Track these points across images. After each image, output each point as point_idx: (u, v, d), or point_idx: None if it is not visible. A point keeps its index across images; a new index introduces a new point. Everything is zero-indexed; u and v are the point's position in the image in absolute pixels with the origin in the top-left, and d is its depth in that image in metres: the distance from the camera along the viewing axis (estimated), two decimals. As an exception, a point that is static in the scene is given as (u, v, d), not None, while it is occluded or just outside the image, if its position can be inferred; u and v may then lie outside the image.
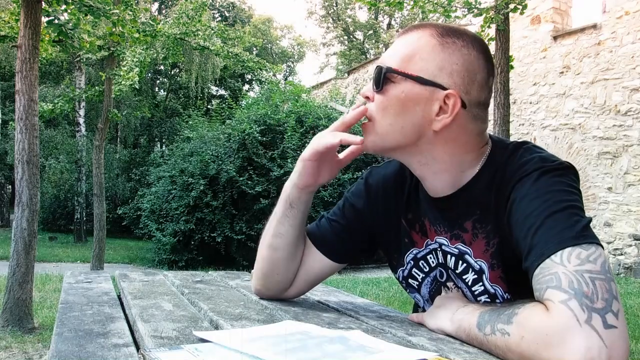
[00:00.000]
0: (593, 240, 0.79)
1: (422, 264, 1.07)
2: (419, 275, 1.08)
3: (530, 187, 0.88)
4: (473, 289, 0.98)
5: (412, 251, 1.08)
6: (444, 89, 0.92)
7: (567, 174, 0.89)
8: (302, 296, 1.26)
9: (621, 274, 8.83)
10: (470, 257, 0.98)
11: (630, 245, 8.76)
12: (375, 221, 1.12)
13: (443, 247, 1.01)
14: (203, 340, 0.76)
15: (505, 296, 0.95)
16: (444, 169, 0.97)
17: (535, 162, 0.90)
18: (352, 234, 1.13)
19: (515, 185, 0.90)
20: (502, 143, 1.00)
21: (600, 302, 0.70)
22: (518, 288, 0.91)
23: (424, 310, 1.08)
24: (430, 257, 1.05)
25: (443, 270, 1.04)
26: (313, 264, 1.12)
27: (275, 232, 1.10)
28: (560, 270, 0.75)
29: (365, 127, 1.00)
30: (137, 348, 0.73)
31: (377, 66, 0.97)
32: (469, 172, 0.97)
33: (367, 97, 0.99)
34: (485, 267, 0.96)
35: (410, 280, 1.10)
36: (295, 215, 1.08)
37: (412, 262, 1.08)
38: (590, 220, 0.84)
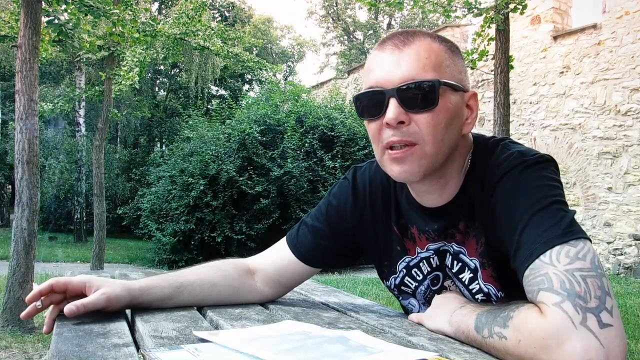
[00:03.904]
0: (580, 235, 0.78)
1: (415, 271, 1.06)
2: (412, 284, 1.07)
3: (513, 184, 0.87)
4: (470, 287, 0.97)
5: (404, 259, 1.06)
6: (466, 91, 0.94)
7: (547, 166, 0.89)
8: (302, 296, 1.26)
9: (621, 274, 8.82)
10: (465, 255, 0.97)
11: (630, 245, 8.75)
12: (362, 226, 1.08)
13: (442, 248, 1.01)
14: (203, 340, 0.76)
15: (499, 294, 0.94)
16: (453, 176, 0.96)
17: (515, 158, 0.89)
18: (336, 241, 1.10)
19: (498, 182, 0.89)
20: (481, 139, 0.99)
21: (594, 301, 0.70)
22: (511, 286, 0.91)
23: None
24: (423, 265, 1.04)
25: (439, 273, 1.03)
26: (292, 271, 1.10)
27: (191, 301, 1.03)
28: (551, 271, 0.74)
29: (408, 153, 0.88)
30: (137, 348, 0.73)
31: (422, 81, 0.86)
32: (462, 175, 0.97)
33: (401, 123, 0.87)
34: (478, 265, 0.96)
35: (403, 288, 1.09)
36: (165, 297, 0.98)
37: (404, 270, 1.07)
38: (574, 213, 0.83)
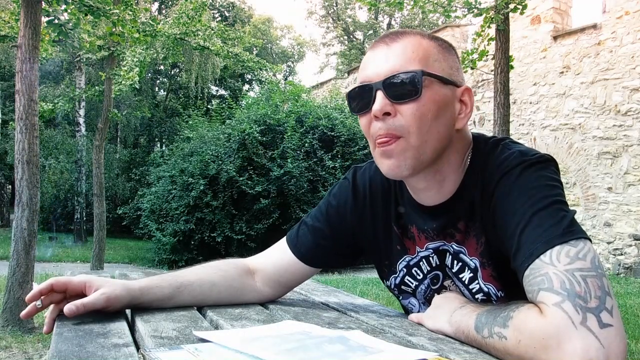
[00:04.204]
0: (581, 235, 0.78)
1: (415, 271, 1.06)
2: (412, 284, 1.07)
3: (513, 183, 0.87)
4: (470, 287, 0.97)
5: (404, 258, 1.06)
6: (459, 86, 0.94)
7: (548, 166, 0.89)
8: (302, 296, 1.26)
9: (621, 274, 8.82)
10: (465, 255, 0.97)
11: (630, 245, 8.75)
12: (362, 226, 1.09)
13: (441, 247, 1.01)
14: (203, 340, 0.76)
15: (499, 294, 0.94)
16: (449, 173, 0.96)
17: (516, 157, 0.90)
18: (336, 241, 1.10)
19: (498, 182, 0.89)
20: (482, 138, 1.00)
21: (594, 301, 0.70)
22: (511, 286, 0.91)
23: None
24: (423, 264, 1.04)
25: (439, 273, 1.03)
26: (292, 271, 1.10)
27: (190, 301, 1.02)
28: (551, 271, 0.74)
29: (395, 147, 0.89)
30: (137, 348, 0.73)
31: (406, 72, 0.88)
32: (461, 174, 0.97)
33: (386, 114, 0.89)
34: (478, 264, 0.96)
35: (403, 287, 1.09)
36: (168, 298, 0.98)
37: (404, 270, 1.07)
38: (574, 213, 0.83)
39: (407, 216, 1.04)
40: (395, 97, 0.89)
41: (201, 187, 10.19)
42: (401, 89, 0.88)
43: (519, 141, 1.06)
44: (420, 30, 1.00)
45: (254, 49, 22.68)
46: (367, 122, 0.93)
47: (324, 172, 10.47)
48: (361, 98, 0.93)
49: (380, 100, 0.89)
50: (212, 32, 9.08)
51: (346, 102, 1.04)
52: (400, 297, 1.12)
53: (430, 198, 0.98)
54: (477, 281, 0.96)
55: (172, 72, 23.47)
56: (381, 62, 0.91)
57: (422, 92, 0.88)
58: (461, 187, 0.96)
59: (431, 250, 1.02)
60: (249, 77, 25.32)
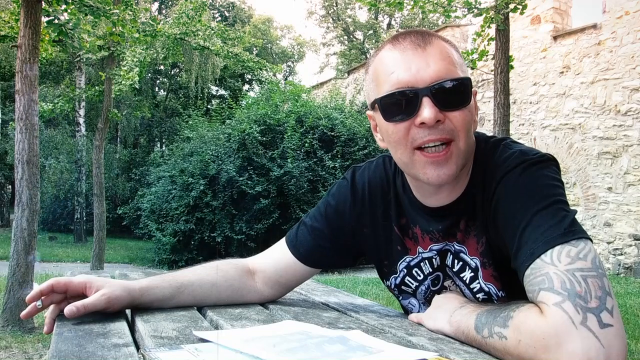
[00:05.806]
0: (581, 235, 0.78)
1: (416, 271, 1.05)
2: (413, 284, 1.07)
3: (514, 183, 0.87)
4: (471, 286, 0.97)
5: (405, 259, 1.05)
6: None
7: (549, 166, 0.89)
8: (302, 296, 1.26)
9: (621, 274, 8.82)
10: (466, 254, 0.97)
11: (630, 245, 8.75)
12: (361, 226, 1.08)
13: (444, 248, 1.00)
14: (203, 340, 0.76)
15: (500, 294, 0.94)
16: (462, 175, 0.95)
17: (517, 157, 0.89)
18: (335, 241, 1.09)
19: (499, 182, 0.89)
20: (482, 138, 0.99)
21: (594, 301, 0.70)
22: (512, 286, 0.91)
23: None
24: (424, 265, 1.04)
25: (440, 274, 1.03)
26: (292, 271, 1.10)
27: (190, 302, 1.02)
28: (552, 271, 0.74)
29: (448, 156, 0.87)
30: (137, 348, 0.73)
31: (457, 79, 0.86)
32: (467, 175, 0.97)
33: (438, 122, 0.86)
34: (479, 264, 0.96)
35: (403, 287, 1.09)
36: (168, 297, 0.98)
37: (405, 270, 1.06)
38: (575, 213, 0.83)
39: (410, 217, 1.03)
40: (445, 104, 0.86)
41: (201, 187, 10.19)
42: (451, 96, 0.86)
43: (519, 141, 1.05)
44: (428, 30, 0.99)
45: (254, 49, 22.70)
46: (405, 128, 0.88)
47: (324, 172, 10.46)
48: (401, 104, 0.87)
49: (430, 107, 0.84)
50: (212, 32, 9.08)
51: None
52: (400, 297, 1.12)
53: (439, 200, 0.98)
54: (478, 281, 0.96)
55: (172, 72, 23.47)
56: (422, 67, 0.86)
57: (471, 99, 0.88)
58: (465, 190, 0.96)
59: (435, 252, 1.01)
60: (249, 77, 25.31)
